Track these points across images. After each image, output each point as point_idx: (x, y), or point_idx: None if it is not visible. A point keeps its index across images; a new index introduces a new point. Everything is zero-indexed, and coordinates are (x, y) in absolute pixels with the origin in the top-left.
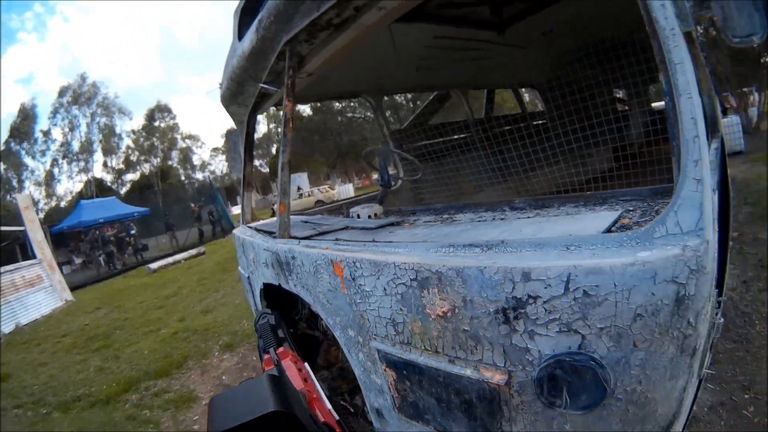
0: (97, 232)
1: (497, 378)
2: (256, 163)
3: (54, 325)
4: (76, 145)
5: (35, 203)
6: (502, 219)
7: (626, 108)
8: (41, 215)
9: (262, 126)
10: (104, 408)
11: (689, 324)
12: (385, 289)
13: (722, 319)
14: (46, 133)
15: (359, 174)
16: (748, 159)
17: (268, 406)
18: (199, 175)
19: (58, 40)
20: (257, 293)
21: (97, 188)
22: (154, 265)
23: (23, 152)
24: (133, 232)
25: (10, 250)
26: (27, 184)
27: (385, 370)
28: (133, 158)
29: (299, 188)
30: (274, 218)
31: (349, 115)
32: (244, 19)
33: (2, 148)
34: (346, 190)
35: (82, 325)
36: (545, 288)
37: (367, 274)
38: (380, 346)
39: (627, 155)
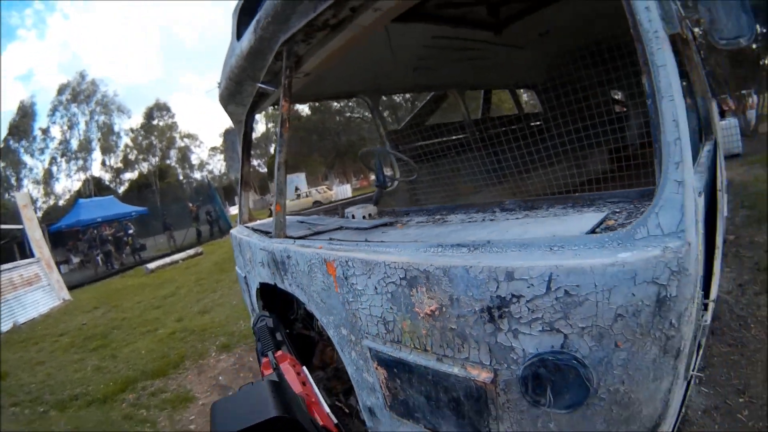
0: (95, 231)
1: (483, 376)
2: (254, 162)
3: (52, 324)
4: (74, 144)
5: (34, 201)
6: (491, 220)
7: (624, 109)
8: (39, 214)
9: (261, 126)
10: (101, 407)
11: (672, 325)
12: (376, 288)
13: (708, 321)
14: (45, 131)
15: (357, 174)
16: (746, 161)
17: (270, 411)
18: (197, 175)
19: (58, 38)
20: (254, 293)
21: (96, 187)
22: (151, 265)
23: (22, 150)
24: (131, 231)
25: (9, 248)
26: (25, 182)
27: (376, 368)
28: (132, 157)
29: (297, 189)
30: (271, 218)
31: (348, 115)
32: (243, 19)
33: (1, 145)
34: (343, 190)
35: (79, 325)
36: (528, 287)
37: (359, 273)
38: (372, 344)
39: (624, 157)
